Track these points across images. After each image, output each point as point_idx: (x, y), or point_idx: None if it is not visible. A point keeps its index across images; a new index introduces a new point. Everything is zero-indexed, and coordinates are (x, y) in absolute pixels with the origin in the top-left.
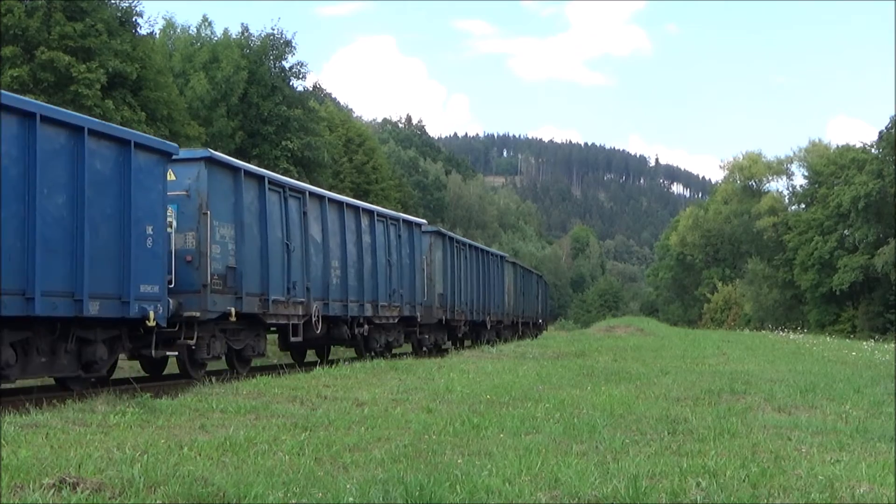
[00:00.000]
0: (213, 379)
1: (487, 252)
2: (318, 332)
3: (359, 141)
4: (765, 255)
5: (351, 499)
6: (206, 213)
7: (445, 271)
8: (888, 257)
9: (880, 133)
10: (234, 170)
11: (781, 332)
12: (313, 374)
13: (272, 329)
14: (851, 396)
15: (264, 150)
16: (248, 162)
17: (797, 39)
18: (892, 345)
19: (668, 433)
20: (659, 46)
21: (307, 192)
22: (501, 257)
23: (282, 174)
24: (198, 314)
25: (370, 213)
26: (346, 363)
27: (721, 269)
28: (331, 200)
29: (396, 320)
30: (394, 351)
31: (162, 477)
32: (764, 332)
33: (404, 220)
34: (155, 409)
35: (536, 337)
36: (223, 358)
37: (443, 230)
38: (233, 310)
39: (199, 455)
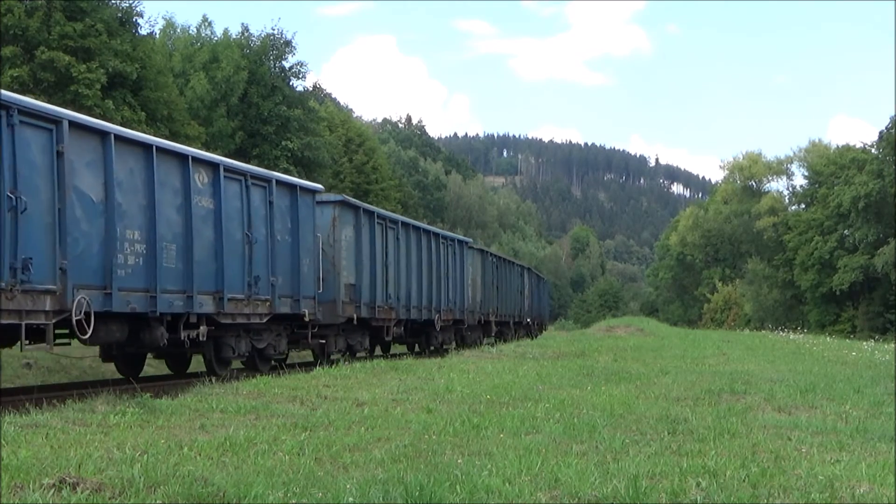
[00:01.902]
0: (213, 379)
1: (438, 235)
2: (87, 336)
3: (359, 141)
4: (765, 255)
5: (351, 499)
6: None
7: (360, 255)
8: (888, 257)
9: (880, 133)
10: None
11: (781, 332)
12: (313, 374)
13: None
14: (851, 396)
15: (264, 150)
16: (248, 162)
17: (797, 39)
18: (892, 345)
19: (668, 433)
20: (659, 46)
21: (66, 122)
22: (462, 242)
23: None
24: None
25: (212, 166)
26: (346, 363)
27: (721, 269)
28: (123, 140)
29: (266, 319)
30: (276, 362)
31: (162, 477)
32: (764, 332)
33: (281, 182)
34: (155, 409)
35: (522, 338)
36: None
37: (353, 200)
38: None
39: (199, 455)
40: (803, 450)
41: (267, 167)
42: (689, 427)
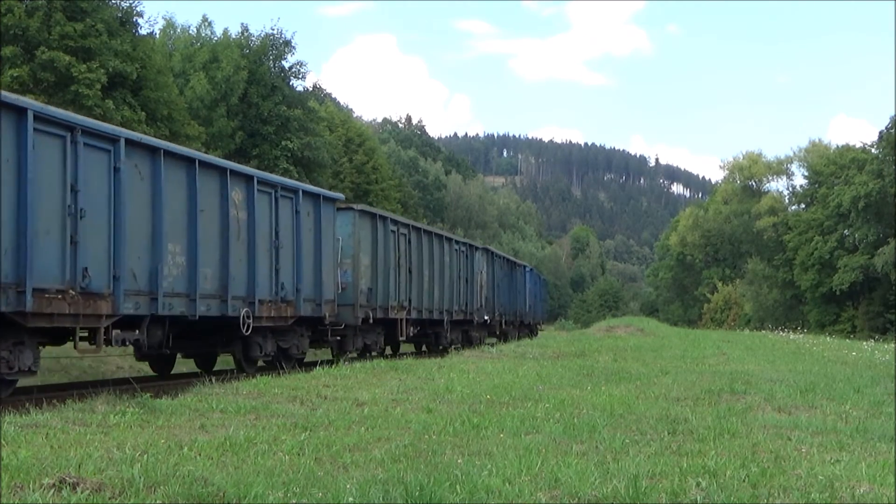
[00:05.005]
0: (213, 379)
1: (238, 174)
2: None
3: (359, 141)
4: (765, 255)
5: (351, 499)
6: None
7: None
8: (888, 257)
9: (880, 133)
10: None
11: (781, 332)
12: (313, 374)
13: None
14: (851, 396)
15: (264, 150)
16: (248, 162)
17: (798, 40)
18: (892, 345)
19: (668, 433)
20: (659, 47)
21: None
22: (321, 198)
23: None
24: None
25: None
26: (347, 363)
27: (721, 269)
28: None
29: None
30: None
31: (162, 477)
32: (764, 332)
33: None
34: (155, 409)
35: (479, 344)
36: None
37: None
38: None
39: (199, 455)
40: (803, 450)
41: (267, 167)
42: (689, 427)
